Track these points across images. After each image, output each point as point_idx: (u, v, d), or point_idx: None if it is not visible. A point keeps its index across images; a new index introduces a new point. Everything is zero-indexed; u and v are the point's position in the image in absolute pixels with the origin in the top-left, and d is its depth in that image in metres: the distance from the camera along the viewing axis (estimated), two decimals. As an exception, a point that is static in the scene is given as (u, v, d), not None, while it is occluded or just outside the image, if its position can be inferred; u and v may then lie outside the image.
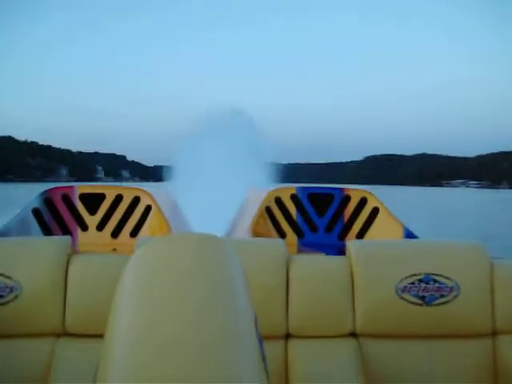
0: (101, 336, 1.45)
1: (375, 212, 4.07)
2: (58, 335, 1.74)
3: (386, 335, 1.78)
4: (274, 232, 4.01)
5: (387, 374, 1.74)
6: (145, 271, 0.84)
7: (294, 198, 4.11)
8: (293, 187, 4.22)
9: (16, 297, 1.69)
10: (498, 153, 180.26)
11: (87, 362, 1.52)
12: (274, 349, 1.71)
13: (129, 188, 3.89)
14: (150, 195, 3.79)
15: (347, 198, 4.12)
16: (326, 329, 1.75)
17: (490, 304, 1.78)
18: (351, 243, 1.87)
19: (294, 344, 1.74)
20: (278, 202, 4.09)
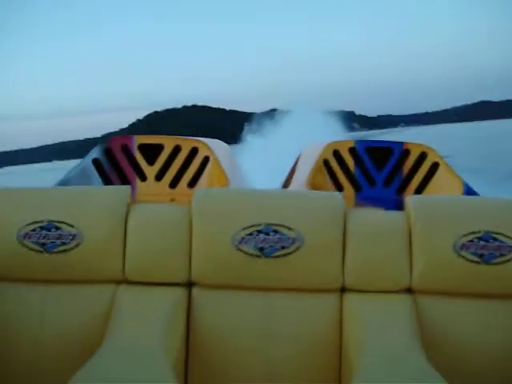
0: (158, 284, 1.77)
1: (435, 167, 3.82)
2: (119, 282, 1.79)
3: (442, 292, 1.75)
4: (331, 185, 3.88)
5: (441, 331, 1.73)
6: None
7: (352, 151, 3.95)
8: (351, 140, 4.10)
9: (78, 245, 1.74)
10: None
11: (146, 309, 1.70)
12: (329, 301, 1.76)
13: (187, 139, 3.88)
14: (207, 146, 3.80)
15: (406, 152, 3.89)
16: (382, 284, 1.76)
17: None
18: (410, 198, 1.85)
19: (349, 297, 1.76)
20: (336, 154, 3.94)
